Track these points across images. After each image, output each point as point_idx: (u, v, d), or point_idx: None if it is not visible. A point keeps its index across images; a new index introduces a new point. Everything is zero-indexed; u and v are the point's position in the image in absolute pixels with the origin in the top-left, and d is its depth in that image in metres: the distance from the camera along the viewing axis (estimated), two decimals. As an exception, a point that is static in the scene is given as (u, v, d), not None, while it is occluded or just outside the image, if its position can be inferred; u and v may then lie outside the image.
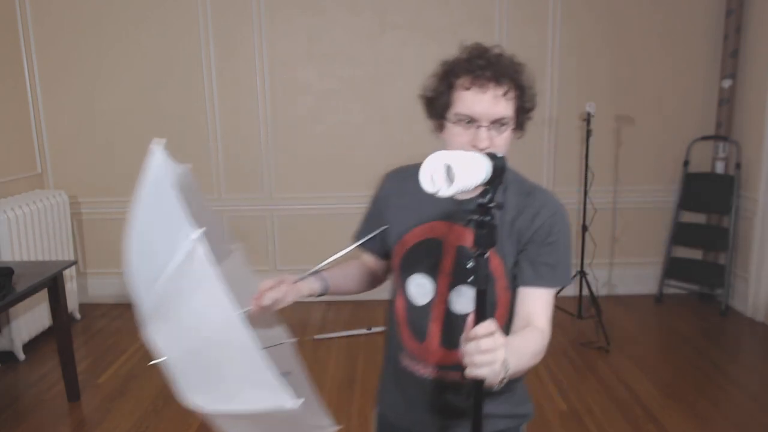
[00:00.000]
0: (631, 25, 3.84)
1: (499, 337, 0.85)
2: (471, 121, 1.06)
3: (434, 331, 1.20)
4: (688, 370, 3.06)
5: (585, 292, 3.61)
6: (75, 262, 3.43)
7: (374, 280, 1.39)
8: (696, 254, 4.07)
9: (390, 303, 1.32)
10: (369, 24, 3.83)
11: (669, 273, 4.10)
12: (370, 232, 1.29)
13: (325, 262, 1.23)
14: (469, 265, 0.88)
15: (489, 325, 0.85)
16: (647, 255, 4.15)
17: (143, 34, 3.80)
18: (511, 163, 0.98)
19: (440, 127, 1.14)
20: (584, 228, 3.57)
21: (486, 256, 0.87)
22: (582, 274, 3.57)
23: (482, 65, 1.06)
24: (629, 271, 4.17)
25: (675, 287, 4.17)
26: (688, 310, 3.87)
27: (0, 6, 3.59)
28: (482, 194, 0.87)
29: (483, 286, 0.89)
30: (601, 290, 4.11)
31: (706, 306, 3.94)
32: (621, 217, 4.10)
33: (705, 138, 3.94)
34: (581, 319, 3.63)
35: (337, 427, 1.23)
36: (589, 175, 3.53)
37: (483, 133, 1.05)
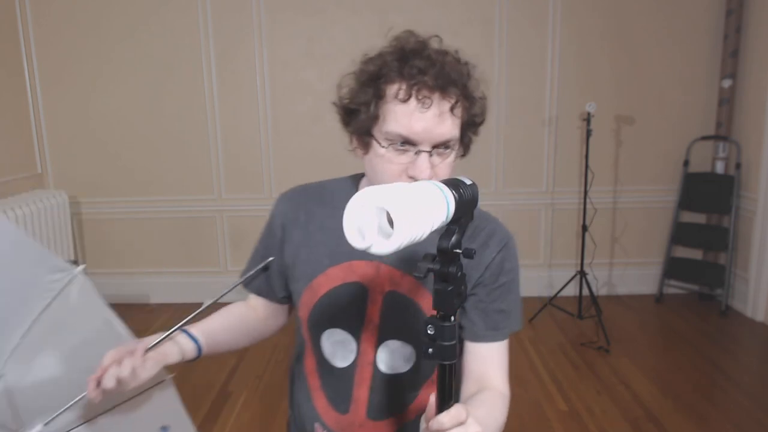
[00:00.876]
0: (631, 25, 3.84)
1: (471, 427, 0.65)
2: (406, 142, 0.81)
3: (360, 398, 0.96)
4: (688, 370, 3.06)
5: (585, 292, 3.62)
6: (75, 262, 3.42)
7: (264, 329, 1.10)
8: (696, 254, 4.07)
9: (296, 361, 1.08)
10: (369, 24, 3.83)
11: (669, 273, 4.10)
12: (256, 273, 1.02)
13: (187, 319, 0.95)
14: (431, 331, 0.64)
15: (458, 412, 0.65)
16: (647, 255, 4.15)
17: (143, 34, 3.80)
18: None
19: (362, 146, 0.87)
20: (584, 228, 3.57)
21: (453, 321, 0.65)
22: (582, 274, 3.57)
23: (422, 68, 0.79)
24: (629, 271, 4.17)
25: (675, 287, 4.17)
26: (688, 310, 3.87)
27: (0, 6, 3.59)
28: (444, 235, 0.63)
29: (451, 359, 0.66)
30: (601, 290, 4.11)
31: (706, 306, 3.94)
32: (621, 217, 4.10)
33: (705, 138, 3.94)
34: (581, 319, 3.63)
35: None
36: (589, 175, 3.53)
37: (423, 160, 0.80)
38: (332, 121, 3.66)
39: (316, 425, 1.01)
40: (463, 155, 0.89)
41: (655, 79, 3.90)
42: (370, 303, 0.93)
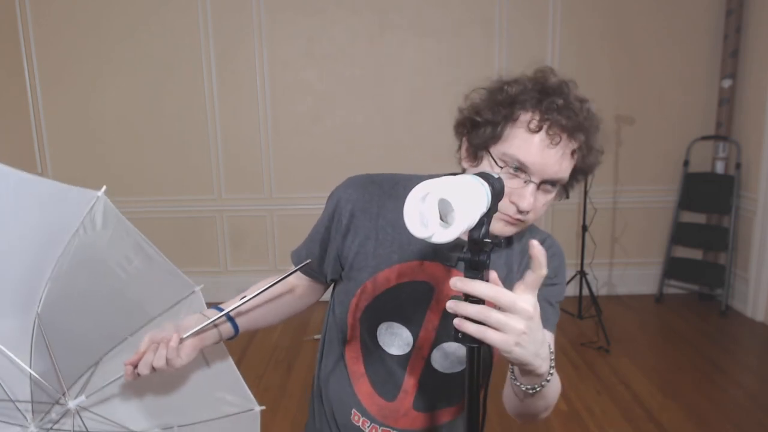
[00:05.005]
0: (631, 25, 3.84)
1: (538, 321, 0.67)
2: (520, 169, 0.84)
3: (409, 389, 0.98)
4: (688, 370, 3.06)
5: (585, 292, 3.62)
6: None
7: (300, 306, 1.13)
8: (696, 254, 4.07)
9: (330, 348, 1.07)
10: (369, 24, 3.83)
11: (669, 273, 4.10)
12: (312, 255, 1.03)
13: (228, 311, 0.96)
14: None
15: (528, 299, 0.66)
16: (647, 255, 4.15)
17: (143, 34, 3.80)
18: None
19: (472, 158, 0.90)
20: (584, 228, 3.57)
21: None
22: (582, 274, 3.57)
23: (560, 106, 0.83)
24: (629, 271, 4.17)
25: (675, 287, 4.17)
26: (688, 310, 3.87)
27: (0, 6, 3.59)
28: (475, 226, 0.65)
29: (480, 343, 0.67)
30: (601, 290, 4.11)
31: (706, 306, 3.94)
32: (621, 217, 4.10)
33: (705, 138, 3.94)
34: (581, 319, 3.63)
35: (259, 408, 1.12)
36: (589, 175, 3.52)
37: (530, 191, 0.83)
38: (332, 121, 3.68)
39: (354, 411, 1.01)
40: (561, 200, 0.93)
41: (655, 79, 3.90)
42: (434, 303, 0.94)
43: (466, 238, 0.67)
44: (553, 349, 0.88)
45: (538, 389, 0.76)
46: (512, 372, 0.77)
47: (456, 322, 0.65)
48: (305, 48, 3.86)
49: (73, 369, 0.97)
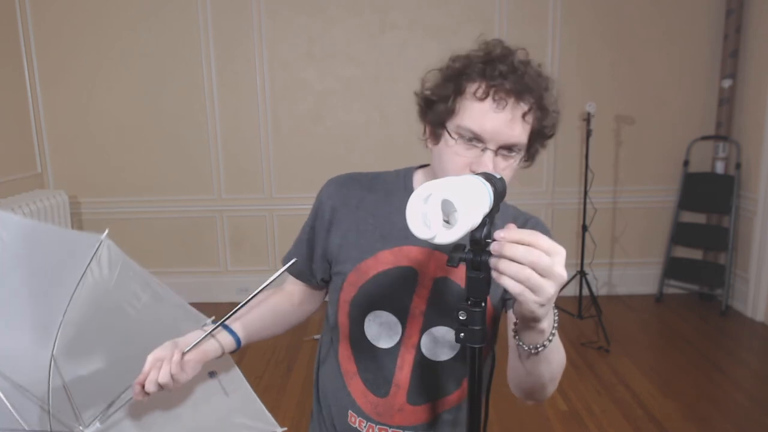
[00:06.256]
0: (631, 25, 3.84)
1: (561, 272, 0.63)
2: (475, 139, 0.85)
3: (401, 382, 0.97)
4: (688, 370, 3.06)
5: (585, 292, 3.62)
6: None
7: (300, 314, 1.12)
8: (696, 254, 4.07)
9: (325, 351, 1.07)
10: (369, 24, 3.83)
11: (669, 273, 4.10)
12: (301, 256, 1.03)
13: (224, 319, 0.95)
14: (462, 317, 0.67)
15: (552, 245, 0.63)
16: (647, 255, 4.15)
17: (143, 34, 3.80)
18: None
19: (434, 137, 0.92)
20: (584, 228, 3.57)
21: (483, 306, 0.67)
22: (582, 274, 3.57)
23: (504, 72, 0.84)
24: (629, 271, 4.17)
25: (675, 287, 4.17)
26: (688, 310, 3.87)
27: (0, 6, 3.59)
28: (477, 226, 0.65)
29: (480, 343, 0.68)
30: (601, 290, 4.11)
31: (706, 306, 3.94)
32: (621, 217, 4.10)
33: (705, 138, 3.94)
34: (581, 319, 3.63)
35: (282, 430, 1.11)
36: (589, 175, 3.53)
37: (488, 158, 0.85)
38: (332, 121, 3.69)
39: (350, 413, 1.01)
40: (528, 165, 0.94)
41: (655, 79, 3.90)
42: (419, 287, 0.95)
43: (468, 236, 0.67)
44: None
45: (541, 349, 0.75)
46: (515, 333, 0.77)
47: (493, 261, 0.63)
48: (305, 48, 3.86)
49: (90, 408, 0.97)
